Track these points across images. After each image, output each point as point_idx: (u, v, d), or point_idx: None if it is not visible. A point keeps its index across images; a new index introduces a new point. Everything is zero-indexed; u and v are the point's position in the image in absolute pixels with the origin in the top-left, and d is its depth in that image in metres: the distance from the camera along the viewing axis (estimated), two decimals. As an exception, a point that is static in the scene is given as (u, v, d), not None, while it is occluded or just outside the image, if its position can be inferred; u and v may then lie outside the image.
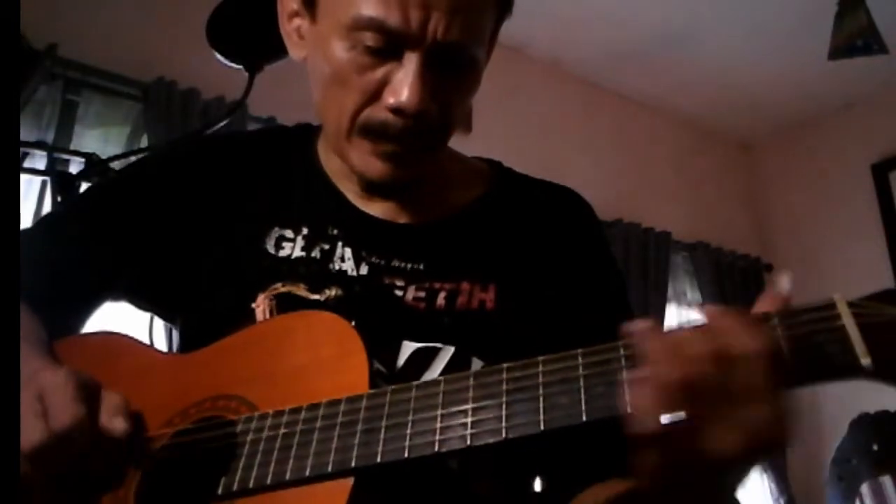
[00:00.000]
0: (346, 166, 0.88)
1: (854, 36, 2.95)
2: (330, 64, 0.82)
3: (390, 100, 0.79)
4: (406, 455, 0.64)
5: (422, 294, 0.86)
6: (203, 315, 0.88)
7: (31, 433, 0.67)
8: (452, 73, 0.81)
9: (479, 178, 0.97)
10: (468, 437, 0.63)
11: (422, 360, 0.82)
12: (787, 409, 0.57)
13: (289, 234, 0.90)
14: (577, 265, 0.92)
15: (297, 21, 0.89)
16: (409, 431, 0.65)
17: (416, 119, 0.80)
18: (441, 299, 0.85)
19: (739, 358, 0.57)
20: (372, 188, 0.89)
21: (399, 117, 0.80)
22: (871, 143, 4.14)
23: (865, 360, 0.54)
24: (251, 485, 0.69)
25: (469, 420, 0.64)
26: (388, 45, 0.78)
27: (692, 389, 0.57)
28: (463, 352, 0.82)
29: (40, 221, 1.07)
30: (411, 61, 0.78)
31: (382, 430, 0.66)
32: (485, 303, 0.86)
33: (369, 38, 0.78)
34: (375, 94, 0.80)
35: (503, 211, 0.93)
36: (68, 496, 0.71)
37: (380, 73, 0.80)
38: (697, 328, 0.60)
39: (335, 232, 0.90)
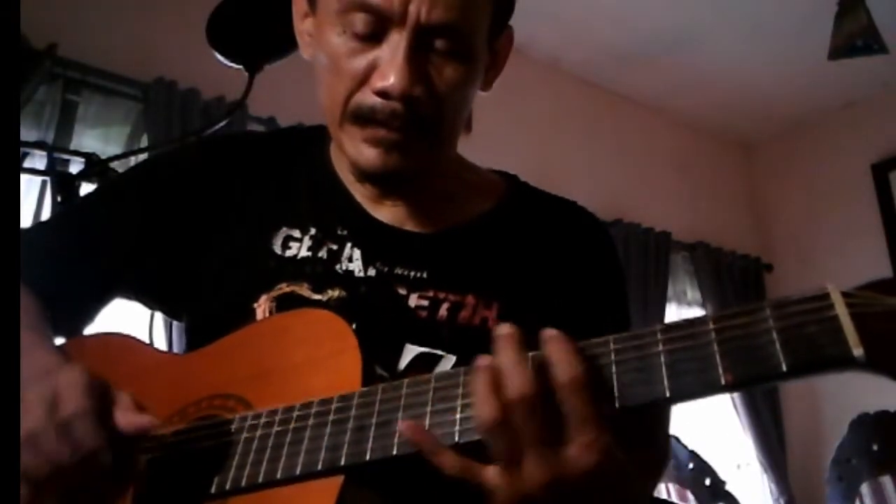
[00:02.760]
0: (345, 159, 0.88)
1: (854, 36, 2.95)
2: (325, 51, 0.83)
3: (377, 83, 0.79)
4: (394, 452, 0.64)
5: (424, 303, 0.85)
6: (208, 314, 0.89)
7: (37, 420, 0.67)
8: (441, 58, 0.81)
9: (491, 190, 0.96)
10: (456, 434, 0.63)
11: (423, 364, 0.82)
12: (592, 441, 0.58)
13: (296, 234, 0.90)
14: (583, 289, 0.90)
15: (307, 21, 0.90)
16: (398, 429, 0.65)
17: (404, 103, 0.79)
18: (443, 310, 0.85)
19: (552, 392, 0.59)
20: (367, 178, 0.88)
21: (386, 101, 0.79)
22: (871, 143, 4.14)
23: (858, 351, 0.53)
24: (244, 483, 0.69)
25: (458, 417, 0.63)
26: (375, 27, 0.79)
27: (498, 427, 0.59)
28: (464, 362, 0.82)
29: (49, 219, 1.07)
30: (397, 43, 0.78)
31: (372, 428, 0.66)
32: (487, 320, 0.85)
33: (357, 21, 0.79)
34: (364, 79, 0.81)
35: (513, 226, 0.92)
36: (62, 490, 0.71)
37: (369, 57, 0.80)
38: (519, 359, 0.60)
39: (343, 232, 0.90)
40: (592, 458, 0.58)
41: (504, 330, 0.62)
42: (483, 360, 0.62)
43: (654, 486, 0.81)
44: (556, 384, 0.59)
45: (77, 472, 0.69)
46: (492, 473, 0.61)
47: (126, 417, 0.69)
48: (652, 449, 0.64)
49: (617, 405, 0.59)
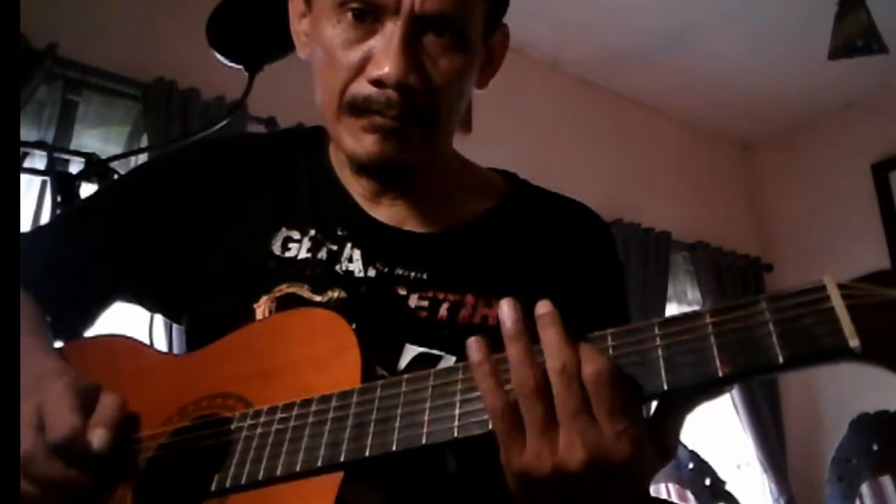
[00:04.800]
0: (343, 156, 0.88)
1: (854, 36, 2.95)
2: (321, 45, 0.83)
3: (372, 72, 0.80)
4: (394, 448, 0.64)
5: (424, 303, 0.85)
6: (208, 316, 0.88)
7: (27, 444, 0.69)
8: (437, 48, 0.81)
9: (492, 189, 0.96)
10: (455, 430, 0.63)
11: (423, 365, 0.81)
12: (625, 430, 0.58)
13: (295, 235, 0.90)
14: (586, 289, 0.90)
15: (304, 21, 0.90)
16: (397, 425, 0.65)
17: (399, 91, 0.79)
18: (443, 310, 0.85)
19: (576, 379, 0.59)
20: (365, 170, 0.87)
21: (381, 90, 0.80)
22: (871, 143, 4.14)
23: (854, 342, 0.53)
24: (244, 481, 0.69)
25: (457, 412, 0.64)
26: (370, 18, 0.79)
27: (539, 392, 0.60)
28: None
29: (49, 223, 1.07)
30: (392, 33, 0.79)
31: (372, 424, 0.66)
32: (487, 318, 0.85)
33: (352, 11, 0.80)
34: (360, 69, 0.81)
35: (513, 225, 0.92)
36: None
37: (364, 47, 0.81)
38: (556, 342, 0.61)
39: (343, 233, 0.90)
40: (628, 448, 0.58)
41: (545, 308, 0.62)
42: (516, 325, 0.62)
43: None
44: (585, 378, 0.59)
45: (70, 488, 0.70)
46: (529, 440, 0.60)
47: (91, 434, 0.70)
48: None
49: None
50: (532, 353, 0.60)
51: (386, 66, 0.78)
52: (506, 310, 0.62)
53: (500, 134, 3.01)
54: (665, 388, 0.58)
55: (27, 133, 2.44)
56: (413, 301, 0.85)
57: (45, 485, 0.69)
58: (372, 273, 0.87)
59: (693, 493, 2.82)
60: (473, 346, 0.62)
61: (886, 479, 2.77)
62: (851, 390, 3.28)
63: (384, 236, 0.89)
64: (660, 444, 0.62)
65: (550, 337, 0.60)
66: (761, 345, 0.56)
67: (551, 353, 0.60)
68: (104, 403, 0.72)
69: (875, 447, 2.79)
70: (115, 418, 0.72)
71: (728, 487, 2.80)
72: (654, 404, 0.62)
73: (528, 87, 3.63)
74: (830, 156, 4.32)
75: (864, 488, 2.79)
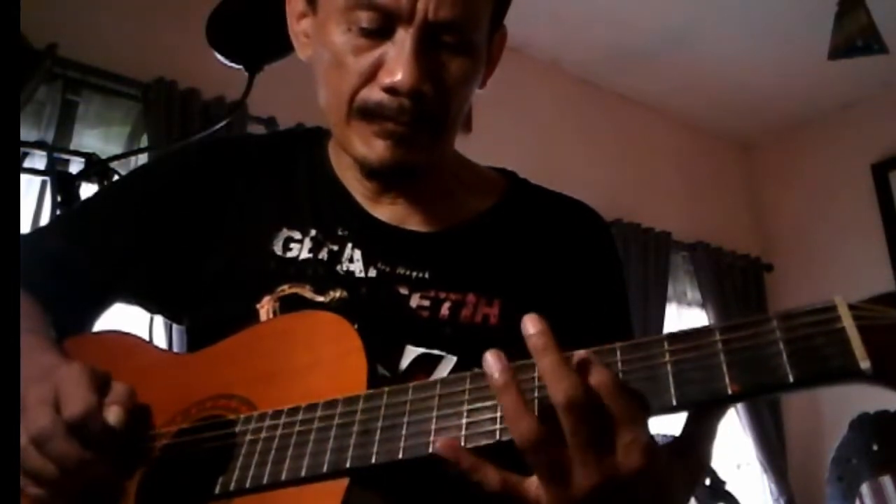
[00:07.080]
0: (350, 158, 0.88)
1: (854, 36, 2.95)
2: (328, 49, 0.83)
3: (385, 79, 0.79)
4: (400, 456, 0.64)
5: (426, 303, 0.85)
6: (209, 317, 0.88)
7: (42, 420, 0.68)
8: (447, 54, 0.81)
9: (491, 187, 0.96)
10: (462, 439, 0.63)
11: (424, 365, 0.82)
12: (637, 439, 0.58)
13: (296, 235, 0.90)
14: (585, 287, 0.90)
15: (304, 22, 0.90)
16: (404, 433, 0.65)
17: (411, 98, 0.80)
18: (445, 309, 0.85)
19: (581, 404, 0.57)
20: (373, 174, 0.88)
21: (394, 97, 0.80)
22: (871, 143, 4.14)
23: (865, 364, 0.53)
24: (248, 484, 0.69)
25: (464, 421, 0.63)
26: (382, 25, 0.79)
27: (545, 440, 0.58)
28: (465, 363, 0.81)
29: (49, 224, 1.07)
30: (404, 40, 0.79)
31: (378, 432, 0.66)
32: (488, 318, 0.85)
33: (363, 18, 0.79)
34: (371, 75, 0.81)
35: (514, 223, 0.92)
36: (72, 490, 0.71)
37: (375, 54, 0.80)
38: (561, 362, 0.59)
39: (344, 233, 0.90)
40: (637, 458, 0.58)
41: (533, 328, 0.60)
42: (504, 373, 0.59)
43: (692, 490, 0.77)
44: (599, 386, 0.58)
45: (87, 470, 0.70)
46: (536, 487, 0.59)
47: (107, 411, 0.70)
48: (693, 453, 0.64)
49: None
50: (565, 365, 0.58)
51: (399, 74, 0.78)
52: (528, 323, 0.61)
53: (500, 134, 3.01)
54: (674, 403, 0.58)
55: (27, 133, 2.44)
56: (414, 301, 0.85)
57: (62, 463, 0.69)
58: (373, 273, 0.87)
59: (693, 493, 2.82)
60: (492, 360, 0.60)
61: (886, 479, 2.77)
62: (851, 390, 3.24)
63: (385, 236, 0.89)
64: (690, 454, 0.61)
65: (546, 367, 0.58)
66: (771, 364, 0.56)
67: (553, 387, 0.58)
68: (117, 388, 0.73)
69: (875, 447, 2.80)
70: (129, 400, 0.72)
71: (728, 487, 2.80)
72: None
73: (528, 87, 3.63)
74: (830, 156, 4.32)
75: (864, 488, 2.80)
